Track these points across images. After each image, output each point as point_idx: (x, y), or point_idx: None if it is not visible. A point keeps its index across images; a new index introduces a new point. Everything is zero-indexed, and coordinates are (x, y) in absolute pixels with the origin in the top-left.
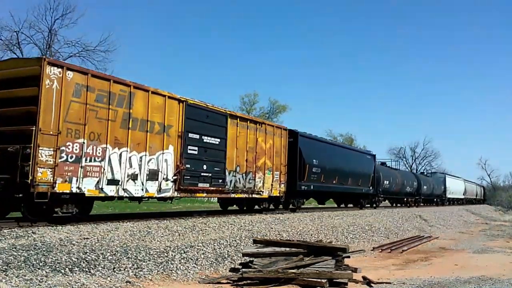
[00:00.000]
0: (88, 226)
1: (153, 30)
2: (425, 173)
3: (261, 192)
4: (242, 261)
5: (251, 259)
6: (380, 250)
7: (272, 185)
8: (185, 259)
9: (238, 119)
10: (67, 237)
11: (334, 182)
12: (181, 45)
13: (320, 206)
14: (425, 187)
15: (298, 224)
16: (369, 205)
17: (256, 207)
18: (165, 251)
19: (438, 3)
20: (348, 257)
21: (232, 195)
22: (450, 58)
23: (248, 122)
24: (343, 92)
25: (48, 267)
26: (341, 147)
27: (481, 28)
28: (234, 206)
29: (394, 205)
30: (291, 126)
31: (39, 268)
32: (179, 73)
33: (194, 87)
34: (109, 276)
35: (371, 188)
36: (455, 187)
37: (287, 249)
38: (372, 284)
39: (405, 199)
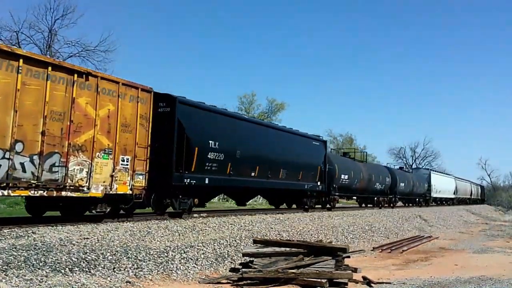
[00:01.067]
0: (88, 226)
1: (152, 30)
2: (405, 168)
3: (83, 188)
4: (242, 261)
5: (251, 259)
6: (380, 250)
7: (113, 176)
8: (185, 259)
9: (22, 61)
10: (67, 237)
11: (253, 174)
12: (180, 45)
13: (239, 208)
14: (402, 184)
15: (298, 224)
16: (320, 206)
17: (89, 212)
18: (165, 251)
19: (438, 3)
20: (348, 257)
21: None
22: (450, 58)
23: (51, 69)
24: (343, 92)
25: (48, 267)
26: (266, 127)
27: (481, 28)
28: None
29: (363, 205)
30: (291, 125)
31: (39, 268)
32: (179, 73)
33: (193, 87)
34: (109, 276)
35: (319, 183)
36: (442, 185)
37: (287, 249)
38: (372, 284)
39: (375, 198)
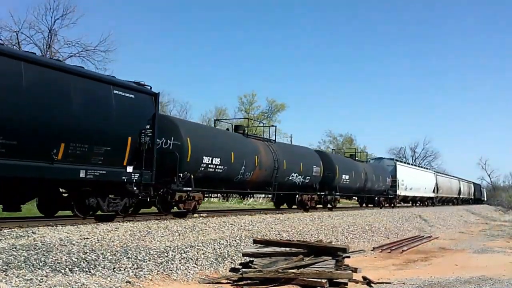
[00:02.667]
0: (88, 226)
1: (152, 30)
2: (356, 157)
3: None
4: (242, 261)
5: (251, 259)
6: (380, 250)
7: None
8: (185, 259)
9: None
10: (67, 237)
11: None
12: (180, 45)
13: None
14: (346, 176)
15: (298, 224)
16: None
17: None
18: (165, 251)
19: (438, 2)
20: (348, 257)
21: None
22: (450, 58)
23: None
24: (343, 92)
25: (48, 267)
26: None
27: (481, 27)
28: None
29: (283, 206)
30: (291, 125)
31: (39, 268)
32: (179, 73)
33: (194, 87)
34: (109, 276)
35: (132, 170)
36: (415, 181)
37: (287, 249)
38: (372, 284)
39: (297, 196)
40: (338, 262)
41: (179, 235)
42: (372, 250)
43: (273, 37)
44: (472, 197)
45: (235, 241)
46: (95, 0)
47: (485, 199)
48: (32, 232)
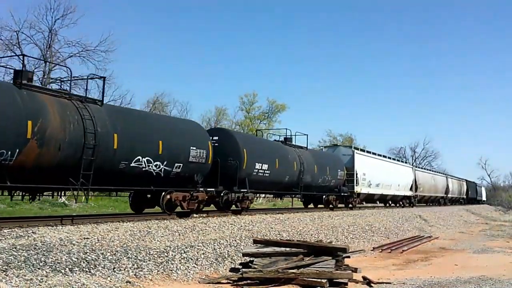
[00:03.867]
0: (88, 226)
1: (152, 30)
2: (292, 142)
3: None
4: (242, 261)
5: (251, 259)
6: (380, 250)
7: None
8: (185, 259)
9: None
10: (67, 237)
11: None
12: (181, 45)
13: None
14: (262, 166)
15: (298, 224)
16: None
17: None
18: (165, 251)
19: (438, 2)
20: (348, 257)
21: None
22: (450, 57)
23: None
24: (343, 92)
25: (48, 267)
26: None
27: (481, 27)
28: None
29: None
30: (291, 125)
31: (39, 268)
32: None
33: (194, 86)
34: (109, 276)
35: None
36: (382, 176)
37: (287, 249)
38: (372, 284)
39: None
40: (338, 262)
41: (179, 235)
42: (372, 250)
43: (273, 37)
44: (464, 196)
45: (235, 241)
46: (95, 0)
47: (485, 199)
48: (32, 232)
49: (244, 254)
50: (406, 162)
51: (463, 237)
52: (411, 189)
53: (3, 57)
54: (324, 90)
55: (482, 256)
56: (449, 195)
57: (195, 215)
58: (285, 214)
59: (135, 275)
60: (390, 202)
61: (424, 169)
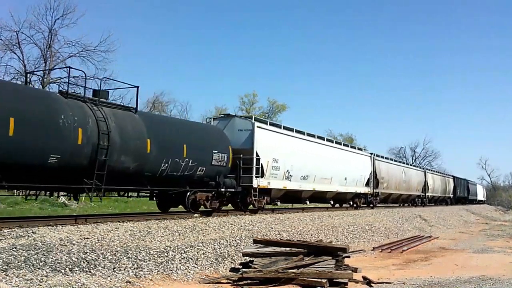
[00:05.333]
0: (88, 226)
1: (153, 30)
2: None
3: None
4: (242, 261)
5: (251, 259)
6: (380, 250)
7: None
8: (185, 259)
9: None
10: (67, 237)
11: None
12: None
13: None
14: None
15: (298, 224)
16: None
17: None
18: (165, 251)
19: (438, 2)
20: (348, 257)
21: None
22: (450, 57)
23: None
24: (343, 92)
25: (48, 267)
26: None
27: (481, 27)
28: None
29: None
30: (291, 125)
31: (39, 268)
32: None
33: (193, 87)
34: (109, 276)
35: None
36: (311, 166)
37: (287, 249)
38: (372, 284)
39: None
40: (338, 262)
41: (179, 235)
42: (372, 250)
43: (273, 37)
44: (451, 195)
45: (235, 241)
46: (95, 0)
47: (482, 198)
48: (32, 232)
49: (244, 254)
50: (362, 149)
51: (463, 237)
52: (367, 184)
53: (5, 57)
54: (325, 90)
55: (482, 256)
56: (429, 194)
57: (195, 215)
58: (285, 214)
59: (135, 275)
60: (332, 202)
61: (392, 160)
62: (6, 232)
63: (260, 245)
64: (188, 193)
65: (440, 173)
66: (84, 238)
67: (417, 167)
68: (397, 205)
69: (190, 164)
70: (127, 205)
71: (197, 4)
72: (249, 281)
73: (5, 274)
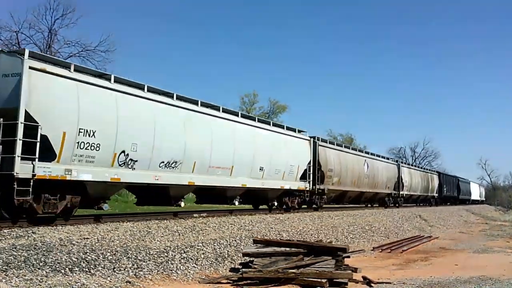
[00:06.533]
0: (88, 226)
1: (153, 30)
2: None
3: None
4: (242, 261)
5: (251, 259)
6: (380, 250)
7: None
8: (185, 259)
9: None
10: (67, 237)
11: None
12: (181, 45)
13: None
14: None
15: (298, 224)
16: None
17: None
18: (165, 251)
19: (438, 2)
20: (348, 257)
21: None
22: (450, 57)
23: None
24: (343, 92)
25: (48, 267)
26: None
27: (481, 27)
28: None
29: None
30: (291, 124)
31: (39, 268)
32: (179, 73)
33: (193, 86)
34: (109, 276)
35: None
36: (178, 145)
37: (287, 249)
38: (372, 284)
39: None
40: (338, 262)
41: (179, 235)
42: (372, 250)
43: (273, 37)
44: (435, 194)
45: (235, 241)
46: (95, 0)
47: (478, 198)
48: (32, 232)
49: (244, 254)
50: (296, 131)
51: (463, 237)
52: (303, 178)
53: None
54: (325, 90)
55: (482, 256)
56: (404, 192)
57: (195, 215)
58: (285, 214)
59: (135, 275)
60: (237, 203)
61: (348, 148)
62: (6, 232)
63: (260, 245)
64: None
65: (421, 168)
66: (84, 238)
67: (389, 159)
68: (362, 206)
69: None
70: (127, 205)
71: (198, 4)
72: (249, 281)
73: (5, 274)
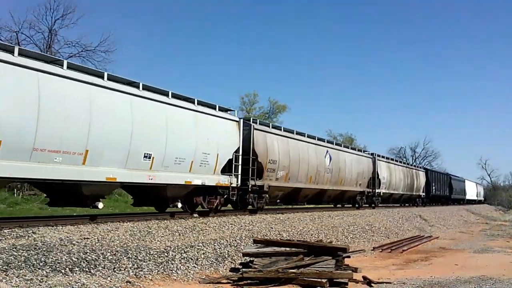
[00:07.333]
0: (88, 226)
1: (153, 30)
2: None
3: None
4: (242, 261)
5: (251, 259)
6: (380, 250)
7: None
8: (185, 259)
9: None
10: (67, 237)
11: None
12: (181, 45)
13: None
14: None
15: (298, 224)
16: None
17: None
18: (165, 251)
19: (438, 2)
20: (348, 257)
21: None
22: (450, 57)
23: None
24: (343, 92)
25: (48, 267)
26: None
27: (481, 27)
28: None
29: None
30: (291, 125)
31: (39, 268)
32: (179, 73)
33: (194, 87)
34: (109, 276)
35: None
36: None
37: (287, 249)
38: (373, 284)
39: None
40: (338, 262)
41: (179, 235)
42: (372, 250)
43: (273, 37)
44: (422, 193)
45: (235, 241)
46: (95, 0)
47: (476, 197)
48: (32, 232)
49: (244, 254)
50: (219, 109)
51: (463, 237)
52: (230, 171)
53: None
54: (325, 90)
55: (482, 256)
56: (381, 190)
57: (195, 215)
58: (285, 214)
59: (135, 275)
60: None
61: (301, 134)
62: (6, 232)
63: (260, 245)
64: None
65: (404, 163)
66: (84, 238)
67: (362, 151)
68: (324, 206)
69: None
70: (127, 205)
71: (198, 4)
72: (249, 281)
73: (5, 274)
